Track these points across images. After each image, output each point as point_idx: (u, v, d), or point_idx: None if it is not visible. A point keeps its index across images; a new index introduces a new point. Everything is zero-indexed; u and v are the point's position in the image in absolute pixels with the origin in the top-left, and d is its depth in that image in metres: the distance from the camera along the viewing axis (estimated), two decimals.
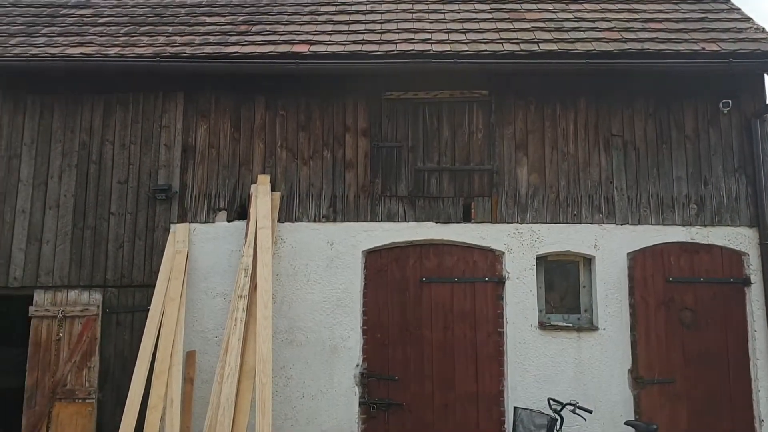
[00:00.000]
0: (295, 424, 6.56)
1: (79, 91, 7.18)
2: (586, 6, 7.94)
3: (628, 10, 7.80)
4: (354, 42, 7.11)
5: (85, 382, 6.65)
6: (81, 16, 7.87)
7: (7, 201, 7.03)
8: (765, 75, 6.85)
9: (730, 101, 6.98)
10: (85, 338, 6.70)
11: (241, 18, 7.74)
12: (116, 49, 6.98)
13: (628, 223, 6.88)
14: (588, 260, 6.93)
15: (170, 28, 7.51)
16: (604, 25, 7.39)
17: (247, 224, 6.75)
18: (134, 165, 7.05)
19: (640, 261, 6.74)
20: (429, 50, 6.86)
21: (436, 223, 6.93)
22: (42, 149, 7.12)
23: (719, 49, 6.78)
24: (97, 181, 7.04)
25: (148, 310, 6.47)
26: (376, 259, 6.92)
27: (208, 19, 7.72)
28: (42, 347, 6.75)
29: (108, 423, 6.59)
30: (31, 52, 6.94)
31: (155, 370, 6.17)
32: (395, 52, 6.87)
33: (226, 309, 6.58)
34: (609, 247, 6.82)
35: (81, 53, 6.91)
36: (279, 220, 6.91)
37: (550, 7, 7.94)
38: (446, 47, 6.91)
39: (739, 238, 6.83)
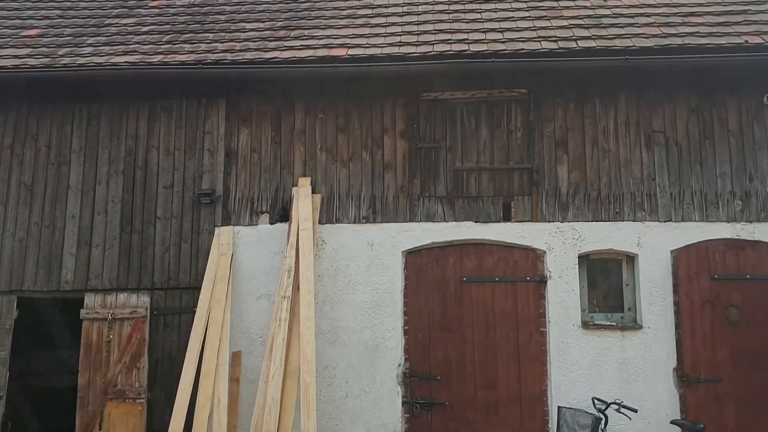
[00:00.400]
0: (339, 423, 6.64)
1: (124, 99, 7.37)
2: (625, 1, 7.87)
3: (668, 4, 7.70)
4: (391, 44, 7.16)
5: (135, 383, 6.84)
6: (125, 25, 8.08)
7: (58, 207, 7.26)
8: None
9: None
10: (134, 339, 6.88)
11: (279, 23, 7.86)
12: (159, 57, 7.15)
13: (671, 220, 6.80)
14: (631, 258, 6.87)
15: (211, 35, 7.67)
16: (643, 20, 7.32)
17: (289, 226, 6.86)
18: (179, 170, 7.21)
19: (684, 258, 6.65)
20: (466, 50, 6.87)
21: (476, 222, 6.94)
22: (90, 156, 7.33)
23: (763, 41, 6.66)
24: (144, 186, 7.22)
25: (195, 311, 6.63)
26: (416, 260, 6.96)
27: (248, 25, 7.86)
28: (93, 349, 6.95)
29: (158, 422, 6.76)
30: (78, 62, 7.13)
31: (202, 370, 6.32)
32: (433, 53, 6.90)
33: (270, 310, 6.69)
34: (652, 244, 6.75)
35: (126, 62, 7.09)
36: (320, 222, 7.00)
37: (587, 3, 7.88)
38: (483, 47, 6.91)
39: None
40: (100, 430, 6.76)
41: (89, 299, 7.05)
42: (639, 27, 7.15)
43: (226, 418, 6.19)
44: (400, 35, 7.37)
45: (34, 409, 8.47)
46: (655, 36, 6.93)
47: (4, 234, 7.24)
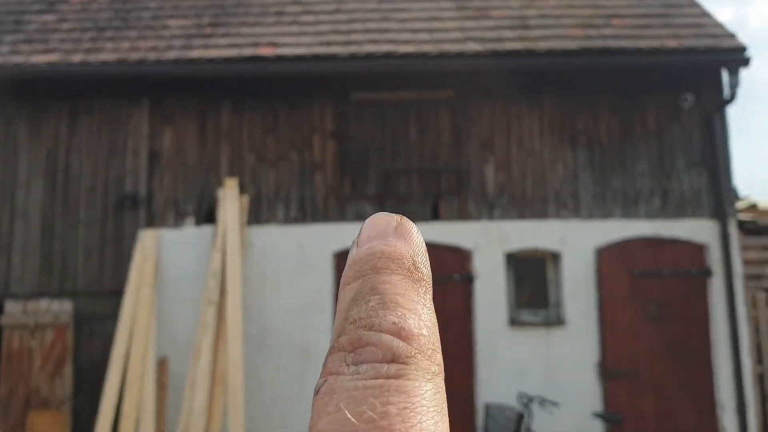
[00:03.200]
0: (267, 427, 6.62)
1: (43, 99, 7.13)
2: (551, 2, 7.99)
3: (592, 6, 7.86)
4: (320, 43, 7.12)
5: (59, 390, 6.67)
6: (45, 22, 7.80)
7: None
8: (723, 70, 6.94)
9: (688, 97, 7.08)
10: (57, 346, 6.71)
11: (206, 20, 7.71)
12: (81, 56, 6.94)
13: (593, 218, 6.99)
14: (556, 256, 7.03)
15: (135, 33, 7.48)
16: (568, 21, 7.46)
17: (216, 229, 6.78)
18: (101, 172, 7.04)
19: (606, 255, 6.85)
20: (395, 51, 6.89)
21: None
22: (8, 159, 7.09)
23: (679, 45, 6.88)
24: (65, 189, 7.02)
25: (119, 317, 6.50)
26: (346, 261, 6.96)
27: (173, 23, 7.69)
28: (15, 357, 6.75)
29: (83, 429, 6.62)
30: None
31: (128, 378, 6.21)
32: (361, 53, 6.89)
33: (197, 315, 6.60)
34: (576, 242, 6.93)
35: (45, 62, 6.87)
36: (248, 224, 6.93)
37: (514, 3, 7.98)
38: (412, 48, 6.94)
39: (701, 230, 6.96)
40: None
41: (9, 306, 6.84)
42: (564, 29, 7.29)
43: (152, 427, 6.10)
44: (329, 34, 7.33)
45: None
46: (578, 38, 7.07)
47: None
